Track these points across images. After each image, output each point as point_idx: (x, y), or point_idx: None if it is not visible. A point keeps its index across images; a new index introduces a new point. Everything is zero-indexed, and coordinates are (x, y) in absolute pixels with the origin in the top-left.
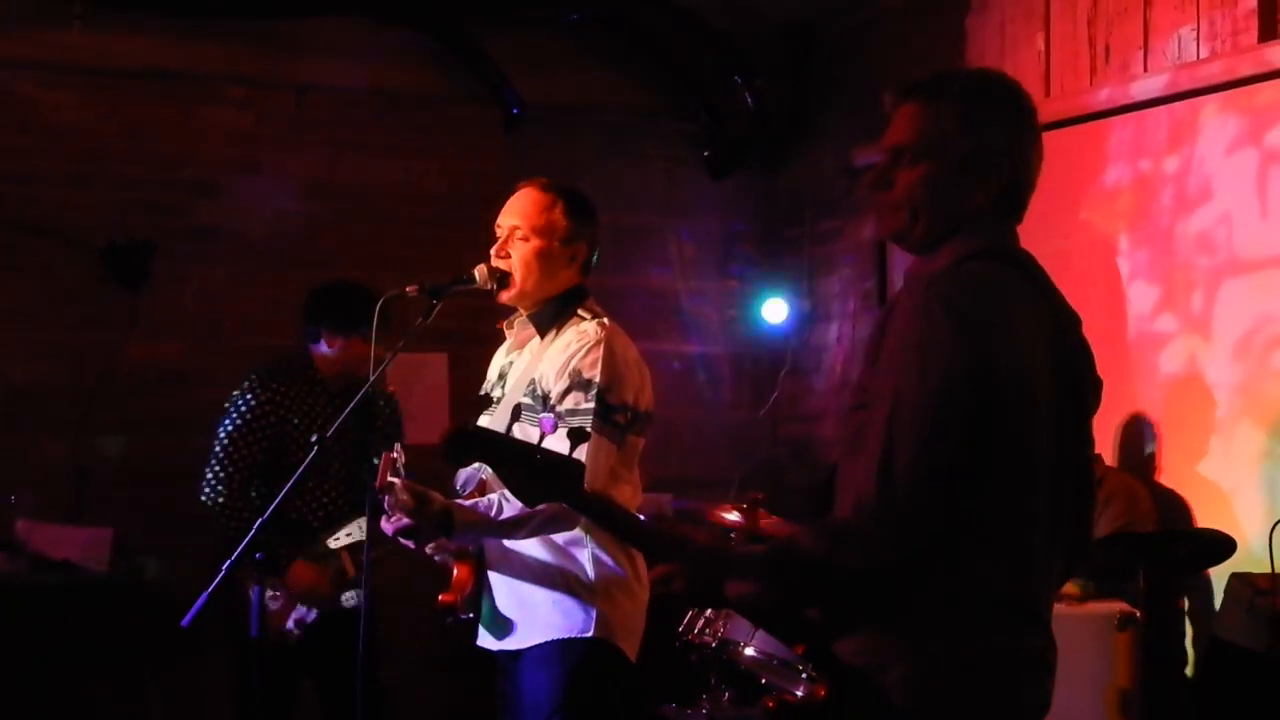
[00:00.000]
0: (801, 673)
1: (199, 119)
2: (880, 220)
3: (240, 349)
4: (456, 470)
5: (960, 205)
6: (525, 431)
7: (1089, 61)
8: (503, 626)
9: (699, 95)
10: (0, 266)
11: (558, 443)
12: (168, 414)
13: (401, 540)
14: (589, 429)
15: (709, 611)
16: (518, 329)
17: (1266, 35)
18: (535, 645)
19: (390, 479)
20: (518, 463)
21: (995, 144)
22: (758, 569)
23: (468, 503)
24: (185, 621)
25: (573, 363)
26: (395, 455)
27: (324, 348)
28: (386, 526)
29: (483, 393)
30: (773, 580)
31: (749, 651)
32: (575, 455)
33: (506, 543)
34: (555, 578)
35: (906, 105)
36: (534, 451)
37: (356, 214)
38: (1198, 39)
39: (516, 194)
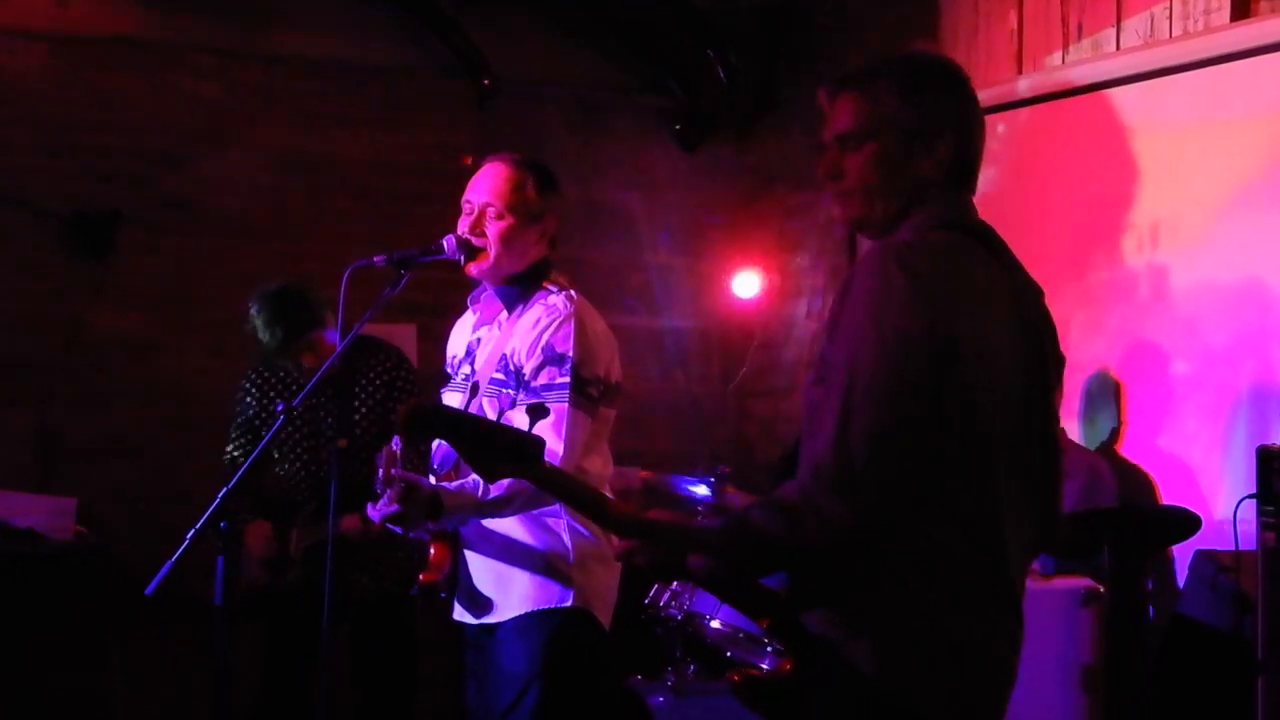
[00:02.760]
0: (767, 646)
1: (168, 88)
2: (840, 211)
3: (207, 321)
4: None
5: (912, 179)
6: (492, 405)
7: (1061, 40)
8: (480, 601)
9: (671, 69)
10: None
11: (517, 419)
12: (133, 386)
13: (389, 526)
14: (563, 403)
15: (675, 584)
16: (484, 303)
17: (1239, 14)
18: (513, 618)
19: (392, 473)
20: (476, 440)
21: (935, 115)
22: (714, 545)
23: (453, 485)
24: (149, 590)
25: (545, 337)
26: (395, 449)
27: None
28: (374, 513)
29: (447, 368)
30: (729, 557)
31: (715, 624)
32: (534, 431)
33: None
34: (532, 550)
35: (843, 95)
36: (492, 428)
37: (326, 186)
38: (1170, 18)
39: (487, 170)
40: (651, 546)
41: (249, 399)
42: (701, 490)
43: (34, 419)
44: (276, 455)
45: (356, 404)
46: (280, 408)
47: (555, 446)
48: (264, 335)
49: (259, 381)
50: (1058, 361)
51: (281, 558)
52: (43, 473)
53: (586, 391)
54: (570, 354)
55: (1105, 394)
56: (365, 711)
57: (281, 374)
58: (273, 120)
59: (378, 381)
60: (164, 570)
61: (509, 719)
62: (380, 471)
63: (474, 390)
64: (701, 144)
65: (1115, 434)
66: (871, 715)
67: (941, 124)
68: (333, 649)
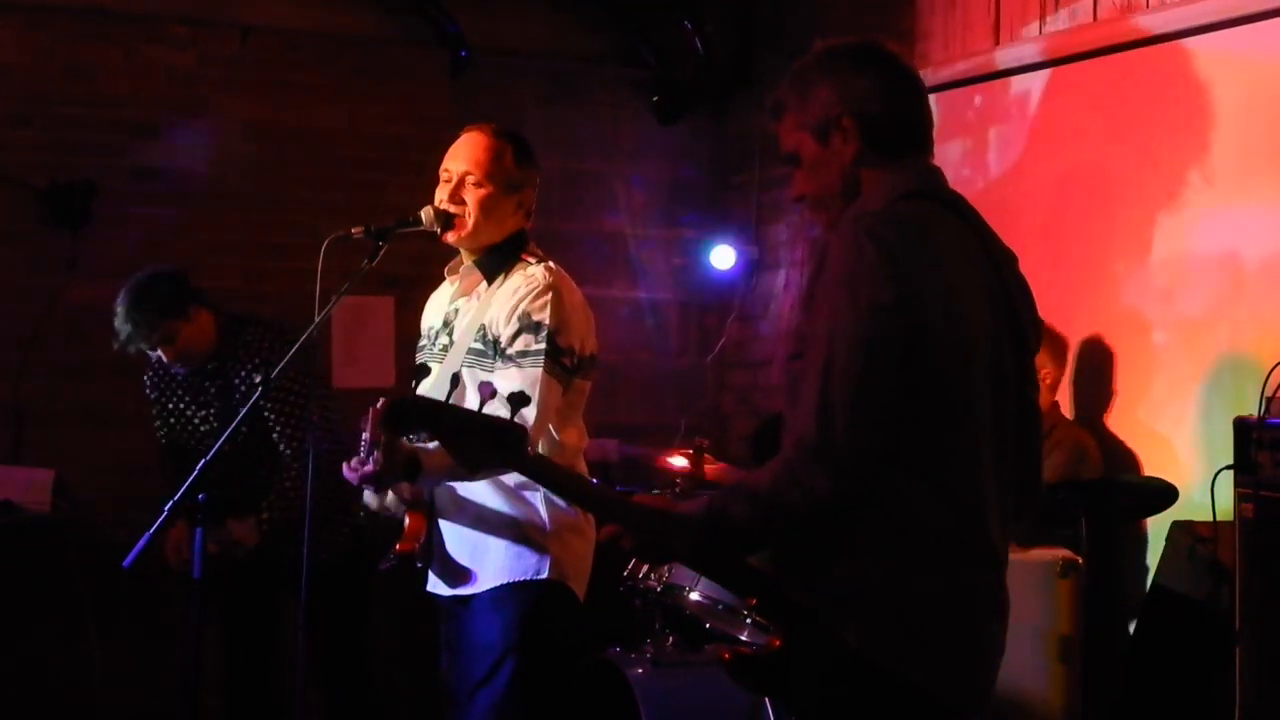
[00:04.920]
0: (746, 618)
1: (141, 58)
2: (814, 223)
3: None
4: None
5: (839, 168)
6: (471, 376)
7: (1039, 10)
8: (455, 572)
9: (647, 41)
10: None
11: (498, 408)
12: (108, 356)
13: (365, 486)
14: (537, 368)
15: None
16: (463, 275)
17: None
18: (488, 589)
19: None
20: (459, 431)
21: (826, 104)
22: (695, 532)
23: (431, 445)
24: (127, 563)
25: (522, 306)
26: (379, 408)
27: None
28: (350, 474)
29: (423, 340)
30: (711, 543)
31: (694, 596)
32: (517, 419)
33: (459, 489)
34: (509, 522)
35: (774, 128)
36: (473, 418)
37: (300, 156)
38: None
39: (465, 139)
40: (635, 531)
41: (150, 396)
42: (680, 462)
43: (7, 390)
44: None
45: (238, 398)
46: (258, 379)
47: (528, 411)
48: (117, 328)
49: (154, 377)
50: (1034, 326)
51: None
52: (16, 444)
53: (560, 360)
54: (546, 322)
55: (1091, 361)
56: (322, 683)
57: (172, 371)
58: (246, 90)
59: (257, 360)
60: (141, 543)
61: (484, 691)
62: (365, 431)
63: (455, 381)
64: (679, 115)
65: (1101, 403)
66: (857, 684)
67: (837, 109)
68: (278, 623)
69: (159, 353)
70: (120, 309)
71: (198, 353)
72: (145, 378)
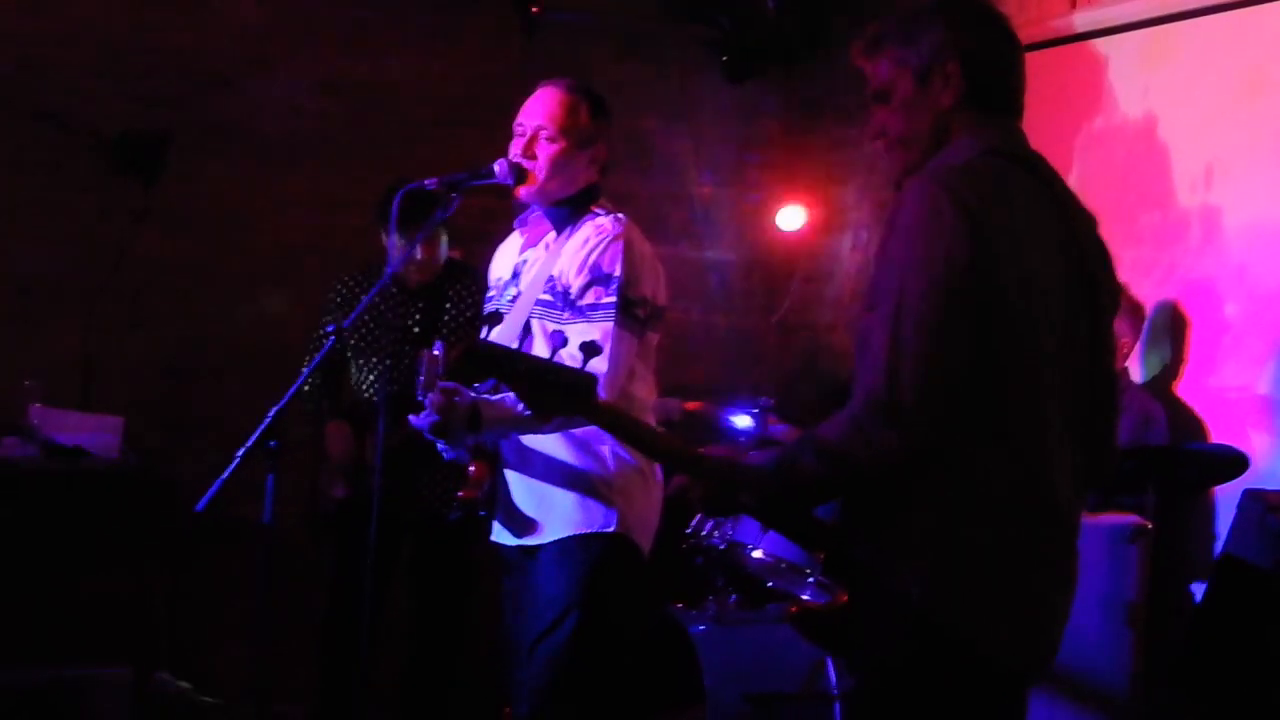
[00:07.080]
0: (809, 576)
1: (213, 12)
2: (890, 166)
3: (251, 245)
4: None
5: (932, 114)
6: (543, 329)
7: None
8: (521, 523)
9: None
10: (11, 156)
11: (569, 357)
12: (178, 308)
13: (431, 436)
14: (609, 322)
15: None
16: (532, 225)
17: None
18: (555, 541)
19: (435, 379)
20: (531, 379)
21: (936, 48)
22: (764, 484)
23: (494, 398)
24: (200, 506)
25: (592, 257)
26: (436, 354)
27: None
28: (418, 422)
29: (491, 291)
30: (779, 495)
31: (756, 554)
32: (588, 369)
33: (526, 439)
34: (576, 473)
35: (866, 61)
36: (546, 367)
37: (371, 112)
38: None
39: (540, 94)
40: (704, 482)
41: (336, 302)
42: (744, 421)
43: (78, 340)
44: (360, 363)
45: (446, 318)
46: (330, 329)
47: (601, 366)
48: (390, 214)
49: (352, 284)
50: (1112, 291)
51: (359, 464)
52: (84, 393)
53: (633, 312)
54: (617, 274)
55: (1163, 328)
56: (421, 631)
57: (372, 282)
58: (318, 44)
59: (469, 300)
60: (215, 487)
61: (546, 641)
62: (421, 377)
63: (526, 330)
64: (748, 75)
65: (1171, 370)
66: (917, 642)
67: (945, 54)
68: (396, 563)
69: (416, 250)
70: (395, 199)
71: (432, 269)
72: (339, 286)
